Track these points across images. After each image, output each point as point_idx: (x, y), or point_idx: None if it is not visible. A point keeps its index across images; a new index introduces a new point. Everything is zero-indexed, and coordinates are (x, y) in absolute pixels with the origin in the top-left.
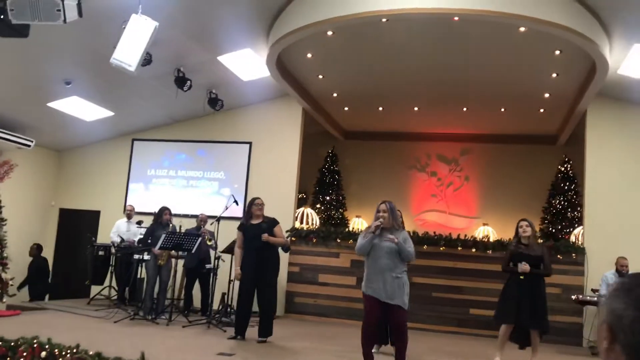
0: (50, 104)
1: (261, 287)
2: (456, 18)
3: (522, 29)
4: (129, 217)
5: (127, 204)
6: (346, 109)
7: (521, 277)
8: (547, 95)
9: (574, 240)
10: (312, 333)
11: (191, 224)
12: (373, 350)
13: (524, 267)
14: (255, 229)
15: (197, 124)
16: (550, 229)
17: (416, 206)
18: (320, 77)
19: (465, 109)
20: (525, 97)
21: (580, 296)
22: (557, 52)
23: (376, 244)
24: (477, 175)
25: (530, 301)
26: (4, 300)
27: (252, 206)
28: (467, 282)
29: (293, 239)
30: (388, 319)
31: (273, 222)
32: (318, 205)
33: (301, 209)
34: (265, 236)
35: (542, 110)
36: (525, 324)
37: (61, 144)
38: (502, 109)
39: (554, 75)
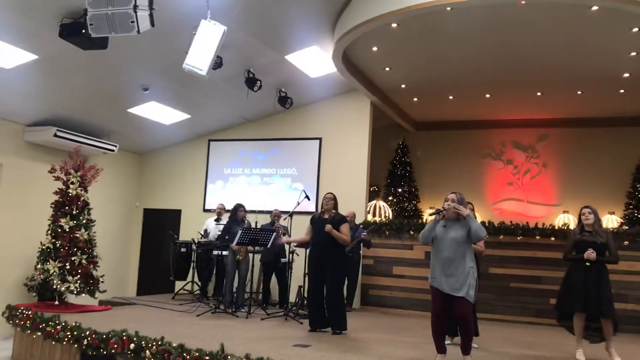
0: (130, 110)
1: (324, 282)
2: (523, 1)
3: (593, 7)
4: (219, 214)
5: (218, 203)
6: (415, 99)
7: (587, 264)
8: (626, 75)
9: None
10: (387, 325)
11: (266, 219)
12: (447, 342)
13: (590, 254)
14: (322, 222)
15: (268, 122)
16: (636, 214)
17: (492, 195)
18: (387, 69)
19: (539, 94)
20: (602, 78)
21: None
22: (635, 29)
23: (440, 236)
24: (555, 161)
25: (597, 289)
26: (96, 296)
27: (323, 200)
28: (546, 271)
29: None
30: (453, 311)
31: (339, 220)
32: (390, 198)
33: (373, 202)
34: (328, 227)
35: (622, 90)
36: (593, 313)
37: (142, 147)
38: (579, 92)
39: (633, 53)
